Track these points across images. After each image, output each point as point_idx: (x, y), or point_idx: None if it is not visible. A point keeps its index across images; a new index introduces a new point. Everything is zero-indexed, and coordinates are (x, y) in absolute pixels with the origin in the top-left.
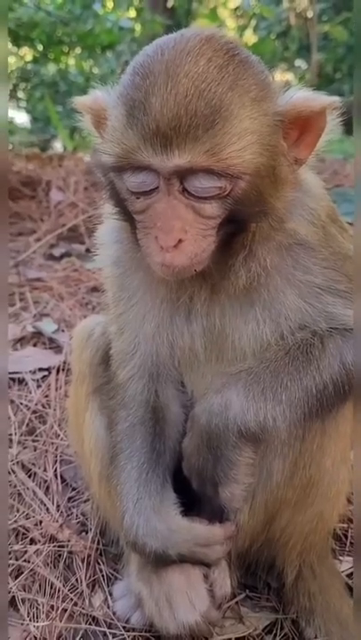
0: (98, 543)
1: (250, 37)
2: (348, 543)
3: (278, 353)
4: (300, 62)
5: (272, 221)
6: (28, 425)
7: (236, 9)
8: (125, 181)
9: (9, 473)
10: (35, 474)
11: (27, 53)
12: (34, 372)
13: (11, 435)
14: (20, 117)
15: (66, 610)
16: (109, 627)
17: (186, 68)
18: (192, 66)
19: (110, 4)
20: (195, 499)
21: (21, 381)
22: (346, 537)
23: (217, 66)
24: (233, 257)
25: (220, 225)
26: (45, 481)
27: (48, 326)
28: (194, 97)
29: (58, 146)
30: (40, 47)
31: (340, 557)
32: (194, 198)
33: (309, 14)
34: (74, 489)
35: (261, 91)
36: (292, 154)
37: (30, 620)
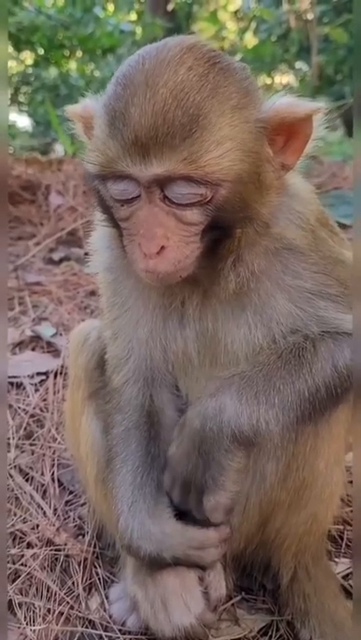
0: (94, 547)
1: (250, 40)
2: (343, 545)
3: (271, 357)
4: (300, 64)
5: (257, 226)
6: (25, 429)
7: (236, 12)
8: (109, 189)
9: (6, 477)
10: (32, 478)
11: (28, 57)
12: (32, 377)
13: (8, 439)
14: (22, 121)
15: (62, 613)
16: (105, 630)
17: (165, 78)
18: (171, 75)
19: (111, 8)
20: None
21: (19, 385)
22: (341, 538)
23: (197, 74)
24: (221, 262)
25: (203, 231)
26: (42, 485)
27: (46, 330)
28: (172, 106)
29: (59, 149)
30: (41, 51)
31: (336, 559)
32: (175, 205)
33: (310, 16)
34: (71, 492)
35: (243, 98)
36: (279, 159)
37: (27, 624)
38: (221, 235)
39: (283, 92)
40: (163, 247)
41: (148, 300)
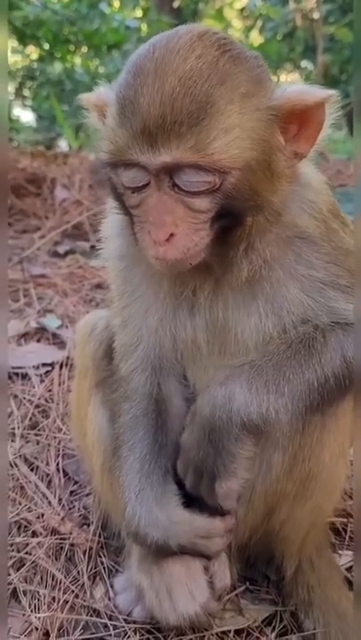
0: (99, 536)
1: (256, 38)
2: (347, 537)
3: (281, 346)
4: (305, 63)
5: (268, 215)
6: (30, 419)
7: (242, 9)
8: (120, 177)
9: (11, 466)
10: (37, 467)
11: (33, 52)
12: (37, 367)
13: (13, 429)
14: (26, 116)
15: (67, 601)
16: (110, 619)
17: (174, 66)
18: (180, 63)
19: (117, 4)
20: None
21: (25, 376)
22: (345, 531)
23: (206, 62)
24: (232, 249)
25: (213, 219)
26: (48, 474)
27: (52, 322)
28: (180, 94)
29: (63, 144)
30: (46, 46)
31: (340, 551)
32: (184, 193)
33: (316, 16)
34: (76, 483)
35: (253, 86)
36: (292, 148)
37: (32, 611)
38: (232, 222)
39: (296, 80)
40: (172, 234)
41: (159, 288)
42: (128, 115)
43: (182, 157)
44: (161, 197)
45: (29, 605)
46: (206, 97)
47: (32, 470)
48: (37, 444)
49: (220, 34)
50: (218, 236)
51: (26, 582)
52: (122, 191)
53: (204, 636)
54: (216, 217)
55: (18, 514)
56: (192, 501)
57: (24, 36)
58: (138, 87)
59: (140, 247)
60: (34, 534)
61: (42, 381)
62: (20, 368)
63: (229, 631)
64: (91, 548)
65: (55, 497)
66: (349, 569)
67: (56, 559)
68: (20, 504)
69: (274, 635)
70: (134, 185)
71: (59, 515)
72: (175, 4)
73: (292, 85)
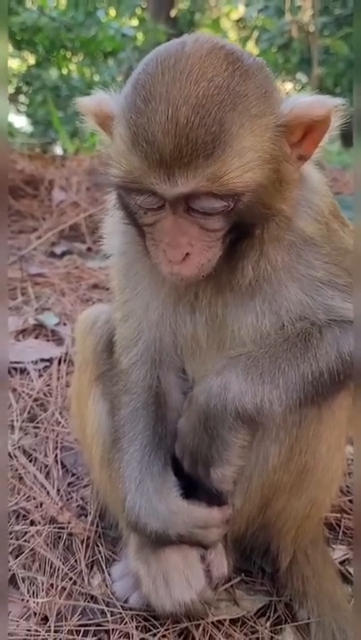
0: (97, 526)
1: (252, 49)
2: (340, 532)
3: (278, 339)
4: (300, 75)
5: (279, 222)
6: (29, 412)
7: (238, 20)
8: (132, 198)
9: (10, 457)
10: (36, 459)
11: (29, 57)
12: (36, 362)
13: (12, 421)
14: (19, 121)
15: (65, 588)
16: (107, 605)
17: (186, 92)
18: (192, 89)
19: (113, 12)
20: (194, 482)
21: (23, 371)
22: (339, 526)
23: (217, 86)
24: (242, 258)
25: (225, 234)
26: (46, 466)
27: (50, 319)
28: (194, 125)
29: (57, 150)
30: (43, 52)
31: (333, 546)
32: (199, 215)
33: (311, 28)
34: (73, 474)
35: (262, 104)
36: (297, 151)
37: (30, 597)
38: (243, 235)
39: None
40: (187, 254)
41: (161, 284)
42: (142, 143)
43: (198, 187)
44: (177, 221)
45: (28, 591)
46: (220, 125)
47: (31, 462)
48: (36, 436)
49: (227, 46)
50: (228, 247)
51: (24, 569)
52: (135, 210)
53: (199, 625)
54: (228, 232)
55: (17, 503)
56: (190, 492)
57: (21, 41)
58: (150, 115)
59: (153, 261)
60: (32, 523)
61: (40, 376)
62: (18, 363)
63: (225, 620)
64: (88, 538)
65: (53, 488)
66: (342, 562)
67: (54, 547)
68: (18, 493)
69: (269, 624)
70: (148, 207)
71: (57, 504)
72: (172, 14)
73: (298, 98)
